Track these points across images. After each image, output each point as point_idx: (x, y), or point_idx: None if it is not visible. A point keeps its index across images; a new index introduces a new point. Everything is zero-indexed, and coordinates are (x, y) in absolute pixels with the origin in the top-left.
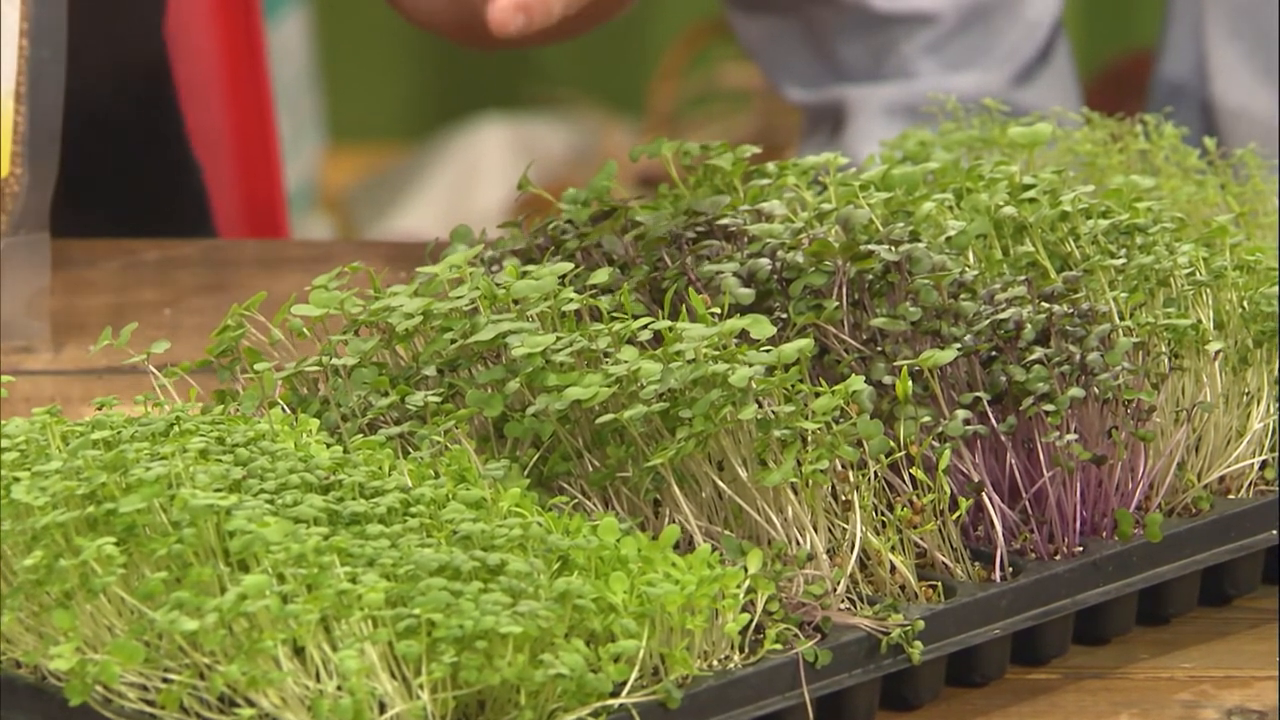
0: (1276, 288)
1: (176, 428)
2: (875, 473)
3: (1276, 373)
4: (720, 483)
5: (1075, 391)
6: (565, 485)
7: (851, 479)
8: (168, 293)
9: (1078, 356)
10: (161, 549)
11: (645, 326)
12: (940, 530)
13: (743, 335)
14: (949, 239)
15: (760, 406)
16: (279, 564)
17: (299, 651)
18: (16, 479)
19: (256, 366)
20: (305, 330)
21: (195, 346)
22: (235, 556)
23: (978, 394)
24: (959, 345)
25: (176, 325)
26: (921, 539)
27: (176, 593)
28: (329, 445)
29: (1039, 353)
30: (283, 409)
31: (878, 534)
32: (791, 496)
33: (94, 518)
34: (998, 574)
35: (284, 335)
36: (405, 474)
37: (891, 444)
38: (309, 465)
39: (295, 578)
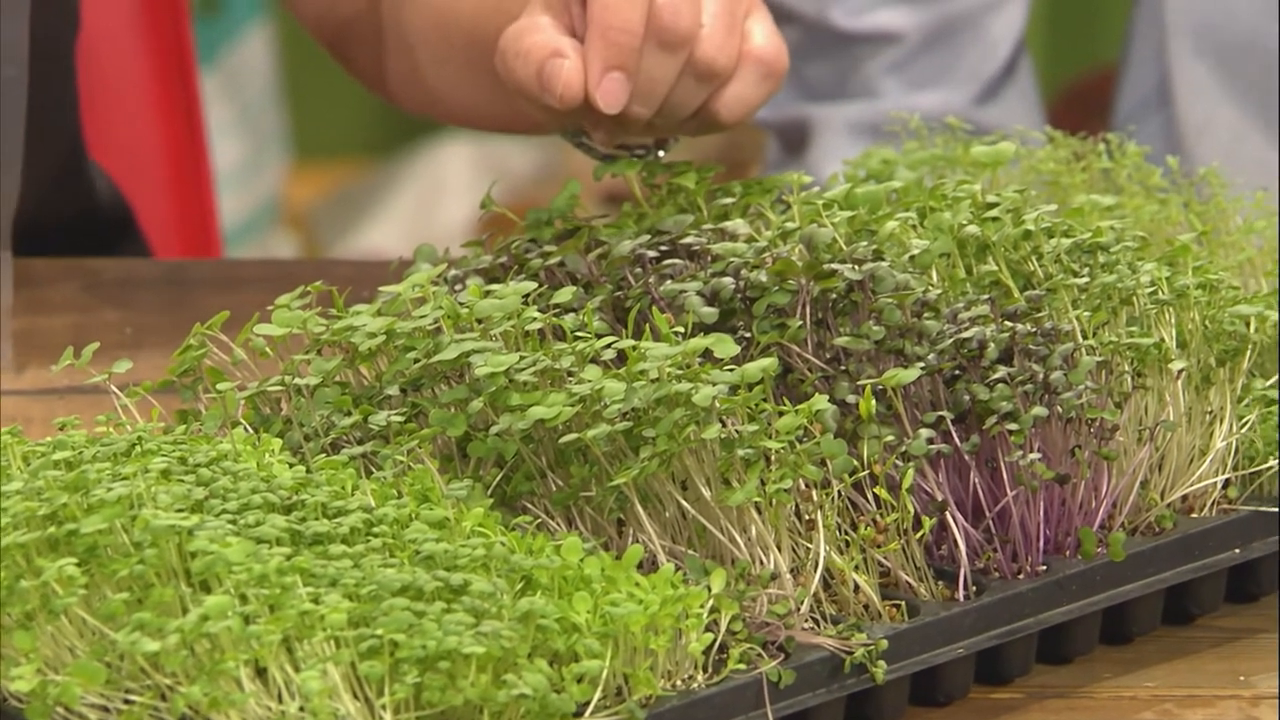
0: (1241, 306)
1: (138, 448)
2: (839, 492)
3: (1239, 391)
4: (684, 502)
5: (1038, 410)
6: (529, 505)
7: (815, 498)
8: (129, 312)
9: (1041, 375)
10: (123, 570)
11: (609, 346)
12: (904, 549)
13: (706, 354)
14: (912, 258)
15: (724, 426)
16: (241, 584)
17: (261, 672)
18: None
19: (219, 386)
20: (268, 350)
21: (157, 366)
22: (197, 577)
23: (941, 413)
24: (922, 364)
25: (138, 345)
26: (885, 558)
27: (138, 613)
28: (291, 465)
29: (1002, 371)
30: (245, 429)
31: (841, 553)
32: (755, 516)
33: (55, 538)
34: (961, 593)
35: (246, 355)
36: (368, 494)
37: (855, 463)
38: (271, 485)
39: (257, 598)
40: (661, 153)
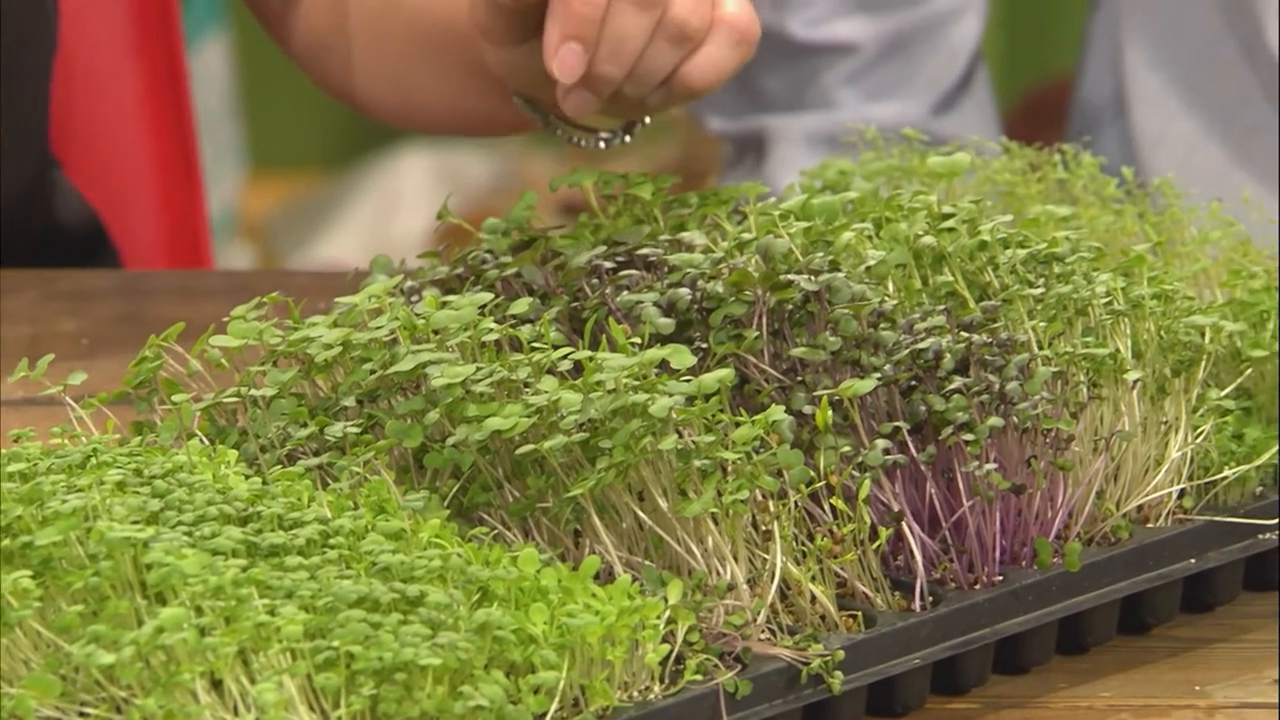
0: (1196, 316)
1: (93, 460)
2: (795, 503)
3: (1194, 401)
4: (641, 513)
5: (994, 421)
6: (485, 516)
7: (772, 509)
8: (85, 323)
9: (997, 386)
10: (78, 582)
11: (565, 357)
12: (860, 560)
13: (663, 365)
14: (868, 268)
15: (680, 436)
16: (197, 596)
17: (217, 684)
18: None
19: (174, 398)
20: (224, 361)
21: (113, 378)
22: (153, 589)
23: (897, 423)
24: (879, 375)
25: (94, 356)
26: (842, 569)
27: (93, 626)
28: (247, 477)
29: (958, 382)
30: (201, 440)
31: (798, 564)
32: (712, 527)
33: (10, 551)
34: (918, 603)
35: (202, 366)
36: (324, 505)
37: (812, 474)
38: (227, 497)
39: (213, 610)
40: (629, 137)
